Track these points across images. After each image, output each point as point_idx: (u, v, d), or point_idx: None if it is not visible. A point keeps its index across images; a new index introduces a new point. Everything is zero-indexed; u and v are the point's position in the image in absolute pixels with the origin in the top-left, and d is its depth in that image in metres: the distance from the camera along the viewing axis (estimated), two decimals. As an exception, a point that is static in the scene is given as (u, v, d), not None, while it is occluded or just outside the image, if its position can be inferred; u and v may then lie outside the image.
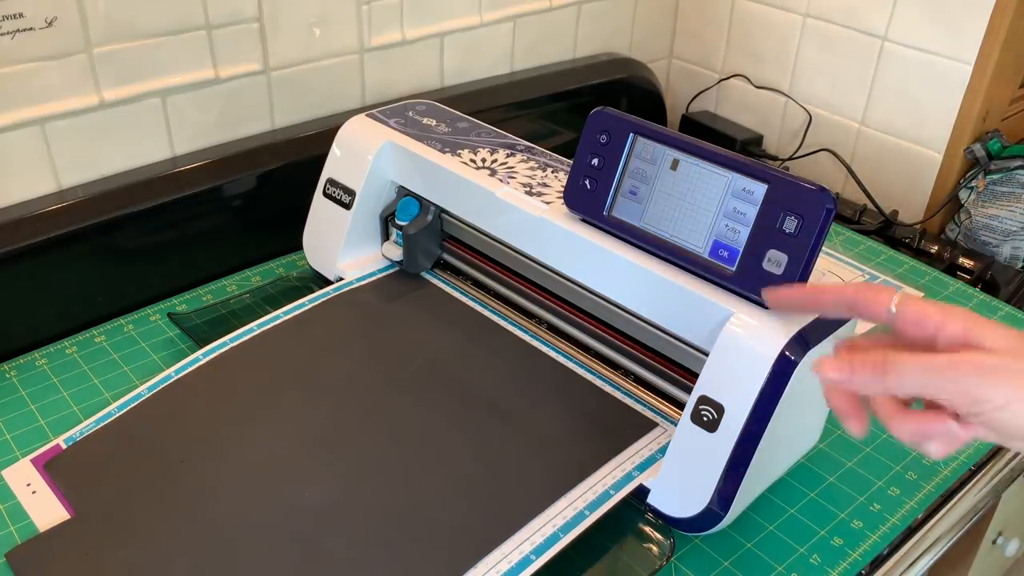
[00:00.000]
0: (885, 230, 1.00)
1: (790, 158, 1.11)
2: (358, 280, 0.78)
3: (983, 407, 0.38)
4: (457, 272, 0.79)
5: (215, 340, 0.70)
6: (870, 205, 1.02)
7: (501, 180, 0.71)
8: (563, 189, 0.66)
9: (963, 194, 1.00)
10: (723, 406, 0.55)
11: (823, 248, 0.53)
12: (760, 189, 0.56)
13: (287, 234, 0.85)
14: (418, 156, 0.75)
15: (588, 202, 0.64)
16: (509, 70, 1.05)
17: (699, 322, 0.59)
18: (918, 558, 0.61)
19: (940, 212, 1.01)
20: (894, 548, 0.61)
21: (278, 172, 0.85)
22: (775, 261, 0.55)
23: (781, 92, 1.12)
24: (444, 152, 0.74)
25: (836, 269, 0.90)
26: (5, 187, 0.74)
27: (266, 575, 0.53)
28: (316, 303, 0.75)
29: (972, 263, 0.94)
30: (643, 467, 0.60)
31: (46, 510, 0.58)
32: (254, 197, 0.85)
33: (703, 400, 0.56)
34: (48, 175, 0.76)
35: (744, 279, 0.56)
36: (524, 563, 0.53)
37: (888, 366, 0.40)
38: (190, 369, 0.68)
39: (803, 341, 0.53)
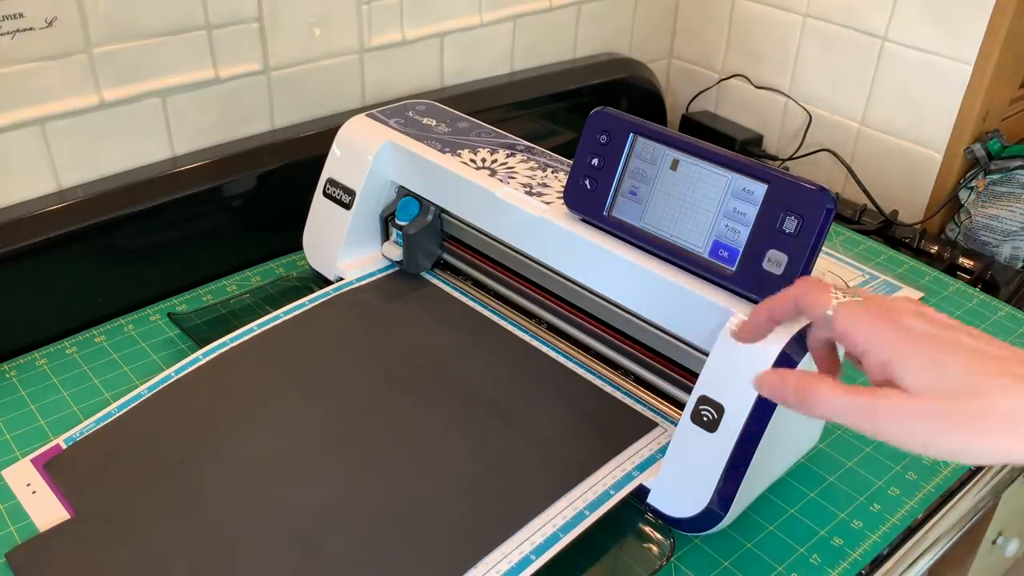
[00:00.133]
0: (885, 230, 1.00)
1: (790, 158, 1.11)
2: (358, 280, 0.78)
3: (899, 444, 0.38)
4: (457, 272, 0.79)
5: (215, 340, 0.70)
6: (870, 205, 1.02)
7: (501, 180, 0.71)
8: (563, 189, 0.66)
9: (963, 194, 1.00)
10: (723, 406, 0.55)
11: (823, 248, 0.53)
12: (760, 189, 0.56)
13: (287, 234, 0.85)
14: (418, 156, 0.75)
15: (588, 202, 0.64)
16: (509, 70, 1.05)
17: (699, 322, 0.59)
18: (918, 558, 0.61)
19: (940, 212, 1.01)
20: (894, 548, 0.61)
21: (278, 172, 0.85)
22: (775, 261, 0.55)
23: (781, 92, 1.12)
24: (444, 152, 0.74)
25: (836, 269, 0.90)
26: (5, 187, 0.74)
27: (266, 575, 0.53)
28: (316, 303, 0.75)
29: (972, 263, 0.94)
30: (643, 467, 0.60)
31: (46, 510, 0.58)
32: (254, 197, 0.85)
33: (703, 400, 0.56)
34: (48, 175, 0.76)
35: (744, 279, 0.56)
36: (524, 563, 0.53)
37: (808, 396, 0.40)
38: (190, 369, 0.68)
39: (803, 340, 0.53)
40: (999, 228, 0.96)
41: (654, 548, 0.58)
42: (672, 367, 0.65)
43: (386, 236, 0.80)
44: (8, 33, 0.69)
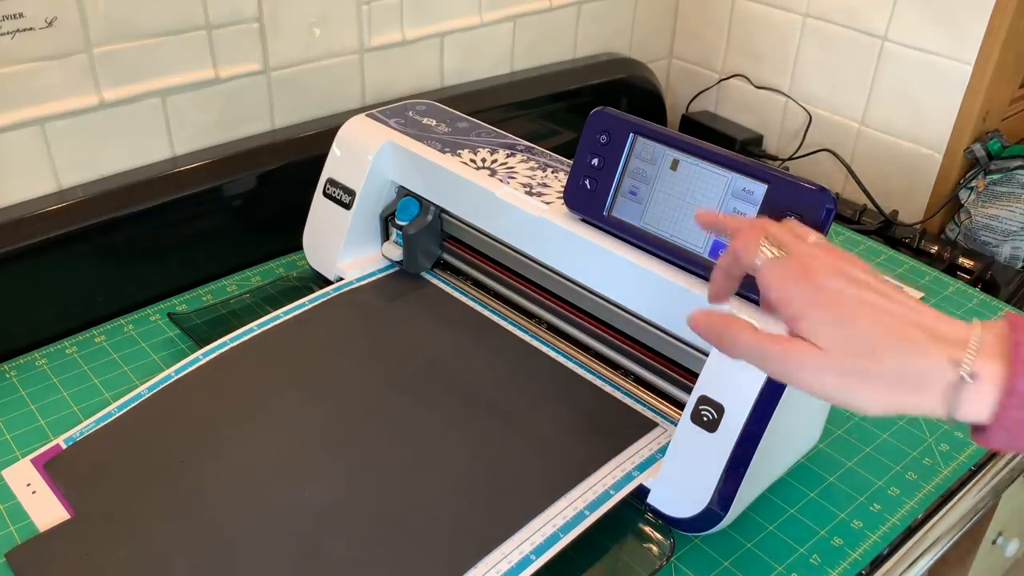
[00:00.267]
0: (885, 230, 1.00)
1: (790, 158, 1.11)
2: (358, 280, 0.78)
3: (806, 391, 0.42)
4: (457, 272, 0.79)
5: (215, 340, 0.70)
6: (870, 205, 1.02)
7: (501, 180, 0.71)
8: (563, 189, 0.66)
9: (963, 194, 1.00)
10: (723, 406, 0.55)
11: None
12: (760, 189, 0.56)
13: (287, 234, 0.85)
14: (418, 156, 0.75)
15: (588, 202, 0.64)
16: (509, 70, 1.05)
17: (699, 322, 0.59)
18: (918, 558, 0.61)
19: (940, 212, 1.01)
20: (894, 548, 0.61)
21: (278, 172, 0.85)
22: (775, 261, 0.55)
23: (781, 92, 1.12)
24: (444, 152, 0.74)
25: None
26: (5, 187, 0.74)
27: (266, 575, 0.53)
28: (316, 303, 0.75)
29: (972, 263, 0.94)
30: (643, 467, 0.60)
31: (46, 510, 0.58)
32: (254, 197, 0.85)
33: (703, 400, 0.56)
34: (48, 175, 0.76)
35: (744, 279, 0.56)
36: (524, 563, 0.53)
37: (729, 338, 0.44)
38: (190, 369, 0.68)
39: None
40: (999, 228, 0.96)
41: (654, 548, 0.58)
42: (672, 367, 0.65)
43: (386, 236, 0.80)
44: (8, 33, 0.69)
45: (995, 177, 0.97)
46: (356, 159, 0.77)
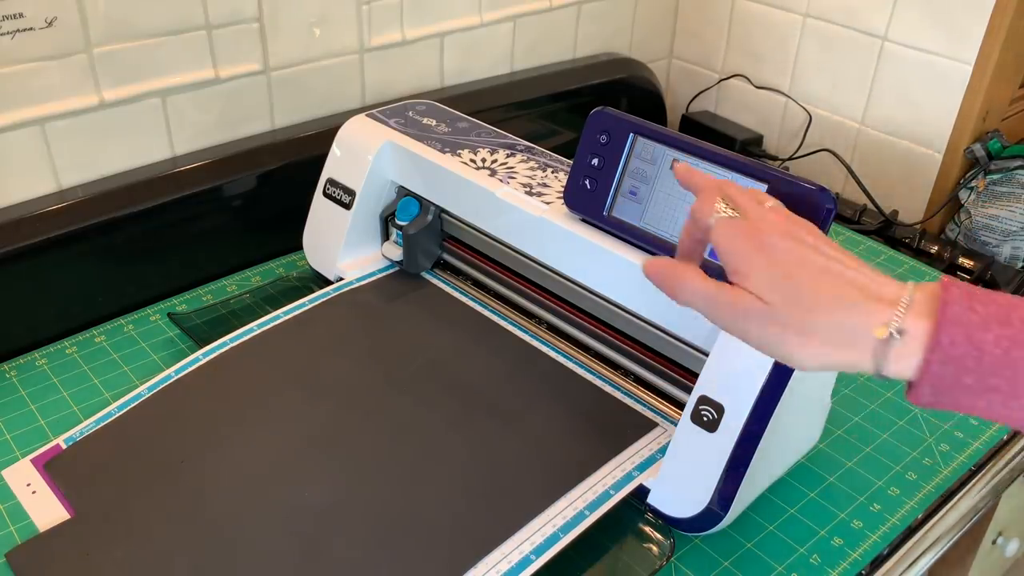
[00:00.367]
0: (885, 230, 1.00)
1: (790, 158, 1.11)
2: (358, 280, 0.78)
3: (747, 341, 0.44)
4: (457, 272, 0.79)
5: (215, 340, 0.70)
6: (870, 205, 1.02)
7: (501, 180, 0.71)
8: (563, 189, 0.66)
9: (963, 194, 1.00)
10: (723, 406, 0.55)
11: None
12: (760, 189, 0.56)
13: (287, 234, 0.85)
14: (418, 156, 0.75)
15: (588, 202, 0.64)
16: (509, 70, 1.05)
17: (699, 322, 0.58)
18: (918, 558, 0.61)
19: (940, 212, 1.01)
20: (894, 548, 0.61)
21: (278, 172, 0.85)
22: (775, 261, 0.55)
23: (781, 92, 1.12)
24: (444, 152, 0.74)
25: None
26: (5, 187, 0.74)
27: (266, 575, 0.53)
28: (316, 303, 0.75)
29: (972, 263, 0.94)
30: (643, 467, 0.60)
31: (46, 510, 0.58)
32: (254, 197, 0.85)
33: (703, 400, 0.56)
34: (48, 175, 0.76)
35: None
36: (524, 563, 0.53)
37: (678, 283, 0.46)
38: (190, 369, 0.68)
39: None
40: (999, 228, 0.96)
41: (654, 548, 0.58)
42: (672, 367, 0.65)
43: (386, 236, 0.80)
44: (8, 33, 0.69)
45: (995, 177, 0.97)
46: (356, 159, 0.77)
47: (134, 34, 0.75)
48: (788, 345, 0.42)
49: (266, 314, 0.73)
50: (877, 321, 0.41)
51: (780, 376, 0.53)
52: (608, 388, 0.67)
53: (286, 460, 0.61)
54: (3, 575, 0.54)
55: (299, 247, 0.83)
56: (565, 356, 0.70)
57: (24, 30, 0.69)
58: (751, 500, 0.61)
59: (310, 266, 0.82)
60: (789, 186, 0.55)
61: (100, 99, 0.76)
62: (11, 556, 0.55)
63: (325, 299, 0.75)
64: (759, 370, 0.53)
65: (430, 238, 0.78)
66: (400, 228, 0.77)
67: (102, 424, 0.64)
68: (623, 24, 1.15)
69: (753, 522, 0.61)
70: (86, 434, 0.63)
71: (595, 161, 0.63)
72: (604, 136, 0.63)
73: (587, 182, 0.64)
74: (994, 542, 0.87)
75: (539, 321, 0.73)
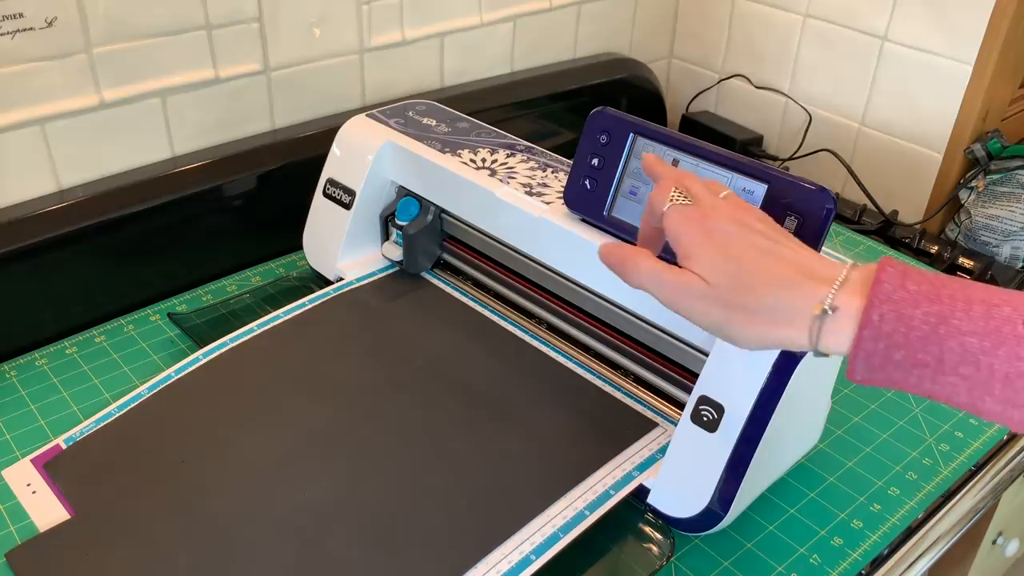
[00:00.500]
0: (885, 230, 1.01)
1: (790, 158, 1.11)
2: (358, 280, 0.78)
3: (696, 323, 0.46)
4: (457, 272, 0.79)
5: (215, 340, 0.70)
6: (870, 205, 1.02)
7: (501, 180, 0.71)
8: (563, 189, 0.66)
9: (963, 194, 1.00)
10: (723, 406, 0.55)
11: (823, 248, 0.53)
12: (760, 189, 0.56)
13: (287, 234, 0.85)
14: (418, 156, 0.75)
15: (588, 202, 0.64)
16: (509, 70, 1.05)
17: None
18: (918, 558, 0.61)
19: (940, 212, 1.01)
20: (894, 548, 0.61)
21: (278, 172, 0.85)
22: (775, 261, 0.55)
23: (781, 92, 1.12)
24: (444, 152, 0.74)
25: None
26: (5, 187, 0.74)
27: (266, 575, 0.53)
28: (316, 303, 0.75)
29: (972, 263, 0.94)
30: (643, 467, 0.60)
31: (46, 510, 0.58)
32: (254, 197, 0.85)
33: (703, 400, 0.56)
34: (48, 175, 0.76)
35: None
36: (524, 563, 0.53)
37: (629, 266, 0.48)
38: (190, 369, 0.68)
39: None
40: (999, 228, 0.96)
41: (654, 548, 0.58)
42: (672, 367, 0.65)
43: (386, 236, 0.80)
44: (8, 33, 0.69)
45: (995, 177, 0.97)
46: (356, 159, 0.77)
47: (134, 34, 0.75)
48: (731, 324, 0.45)
49: (266, 314, 0.73)
50: (813, 299, 0.42)
51: (780, 376, 0.53)
52: (608, 388, 0.67)
53: (286, 460, 0.61)
54: (3, 575, 0.54)
55: (299, 247, 0.83)
56: (565, 356, 0.70)
57: (24, 30, 0.69)
58: (751, 500, 0.61)
59: (310, 266, 0.82)
60: (789, 186, 0.55)
61: (100, 99, 0.76)
62: (11, 556, 0.55)
63: (325, 299, 0.75)
64: (759, 370, 0.53)
65: (430, 238, 0.78)
66: (400, 228, 0.77)
67: (102, 424, 0.64)
68: (623, 24, 1.15)
69: (753, 522, 0.61)
70: (86, 434, 0.63)
71: (595, 161, 0.63)
72: (604, 136, 0.63)
73: (587, 182, 0.64)
74: (994, 542, 0.87)
75: (539, 321, 0.73)
